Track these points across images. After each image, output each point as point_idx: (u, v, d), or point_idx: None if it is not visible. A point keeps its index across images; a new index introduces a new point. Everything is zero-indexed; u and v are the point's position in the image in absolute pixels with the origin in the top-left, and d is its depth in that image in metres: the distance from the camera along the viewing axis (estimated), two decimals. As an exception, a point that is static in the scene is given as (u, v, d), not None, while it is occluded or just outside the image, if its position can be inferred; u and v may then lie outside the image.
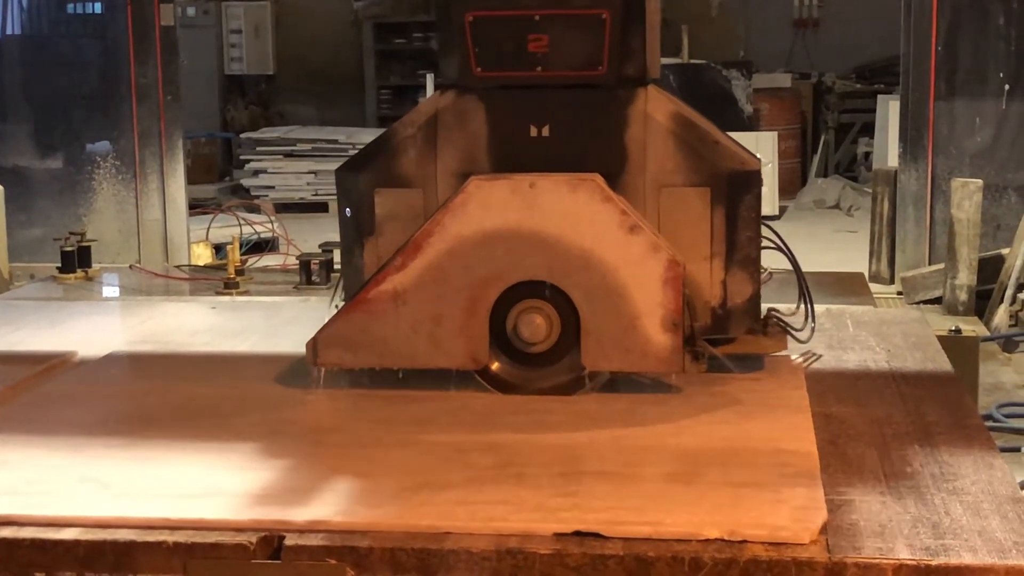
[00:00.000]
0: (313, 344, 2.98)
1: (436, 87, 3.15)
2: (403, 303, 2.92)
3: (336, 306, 3.20)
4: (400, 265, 2.92)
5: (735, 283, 3.03)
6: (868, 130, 13.61)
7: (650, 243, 2.84)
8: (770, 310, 3.24)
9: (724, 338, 3.06)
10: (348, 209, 3.15)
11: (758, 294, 3.07)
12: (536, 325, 2.91)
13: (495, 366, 2.96)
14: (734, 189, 3.01)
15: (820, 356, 3.30)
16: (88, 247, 4.91)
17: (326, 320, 3.03)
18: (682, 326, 2.83)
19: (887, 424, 2.75)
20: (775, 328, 3.19)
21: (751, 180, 3.03)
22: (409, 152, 3.08)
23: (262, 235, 8.38)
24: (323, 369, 3.00)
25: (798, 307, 3.34)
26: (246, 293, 4.46)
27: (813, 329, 3.29)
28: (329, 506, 2.26)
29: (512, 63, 3.03)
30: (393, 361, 2.96)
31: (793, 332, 3.23)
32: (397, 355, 2.95)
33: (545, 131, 3.03)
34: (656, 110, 3.03)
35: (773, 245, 3.23)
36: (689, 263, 2.90)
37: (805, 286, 3.33)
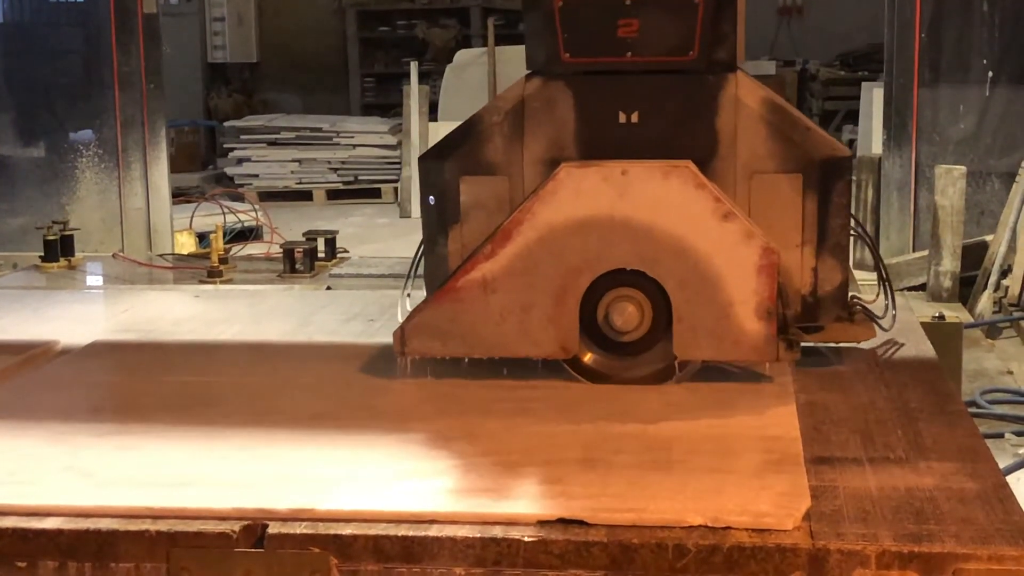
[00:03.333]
0: (400, 333, 2.92)
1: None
2: (492, 291, 2.88)
3: (408, 295, 3.17)
4: (489, 253, 2.88)
5: (825, 271, 3.00)
6: (852, 117, 13.63)
7: (744, 230, 2.81)
8: (853, 297, 3.21)
9: (814, 326, 3.03)
10: (432, 197, 3.08)
11: (847, 282, 3.04)
12: (629, 313, 2.87)
13: (586, 356, 2.92)
14: (826, 176, 2.97)
15: (903, 345, 3.27)
16: (71, 236, 4.88)
17: (402, 309, 3.00)
18: (776, 314, 2.81)
19: (870, 410, 2.75)
20: (861, 316, 3.17)
21: (843, 167, 2.99)
22: (495, 139, 3.02)
23: (246, 223, 8.39)
24: (409, 359, 2.94)
25: (878, 295, 3.32)
26: (230, 281, 4.45)
27: (895, 317, 3.26)
28: (312, 494, 2.26)
29: (601, 48, 2.97)
30: (482, 350, 2.91)
31: (878, 320, 3.21)
32: (486, 344, 2.90)
33: (634, 117, 2.98)
34: (746, 95, 2.98)
35: (853, 232, 3.19)
36: (780, 250, 2.86)
37: (885, 273, 3.30)
